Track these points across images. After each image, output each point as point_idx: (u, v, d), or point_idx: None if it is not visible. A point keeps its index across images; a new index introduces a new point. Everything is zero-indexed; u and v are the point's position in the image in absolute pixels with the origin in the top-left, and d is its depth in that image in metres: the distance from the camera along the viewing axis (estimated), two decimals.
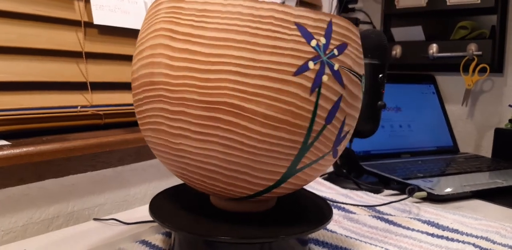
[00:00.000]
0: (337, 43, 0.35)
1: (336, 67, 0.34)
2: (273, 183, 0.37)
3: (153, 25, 0.36)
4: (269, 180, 0.37)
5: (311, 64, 0.33)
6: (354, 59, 0.37)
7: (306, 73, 0.33)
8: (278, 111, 0.33)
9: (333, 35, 0.35)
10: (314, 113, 0.34)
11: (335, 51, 0.34)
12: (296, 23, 0.33)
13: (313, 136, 0.35)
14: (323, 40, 0.34)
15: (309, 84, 0.33)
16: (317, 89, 0.34)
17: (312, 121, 0.35)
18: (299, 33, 0.33)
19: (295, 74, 0.33)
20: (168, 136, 0.36)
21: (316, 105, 0.34)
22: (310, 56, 0.33)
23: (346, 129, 0.38)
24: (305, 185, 0.41)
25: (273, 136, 0.34)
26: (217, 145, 0.34)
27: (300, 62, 0.33)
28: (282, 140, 0.34)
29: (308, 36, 0.33)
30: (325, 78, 0.34)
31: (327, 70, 0.34)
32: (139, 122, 0.40)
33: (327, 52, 0.34)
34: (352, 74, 0.36)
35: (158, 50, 0.35)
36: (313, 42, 0.33)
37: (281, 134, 0.34)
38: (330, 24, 0.34)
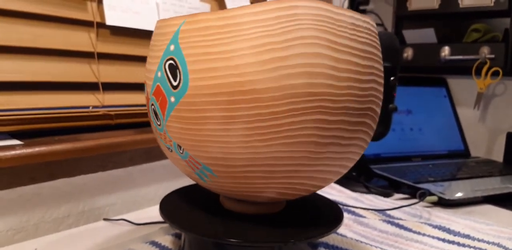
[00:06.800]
0: None
1: None
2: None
3: (295, 31, 0.33)
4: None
5: None
6: None
7: None
8: (380, 110, 0.41)
9: None
10: None
11: None
12: None
13: None
14: None
15: None
16: None
17: None
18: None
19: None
20: (315, 146, 0.35)
21: None
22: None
23: None
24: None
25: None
26: (357, 147, 0.38)
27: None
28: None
29: None
30: None
31: None
32: (262, 137, 0.34)
33: None
34: None
35: (317, 60, 0.33)
36: None
37: None
38: None
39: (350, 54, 0.34)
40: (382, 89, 0.39)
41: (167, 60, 0.37)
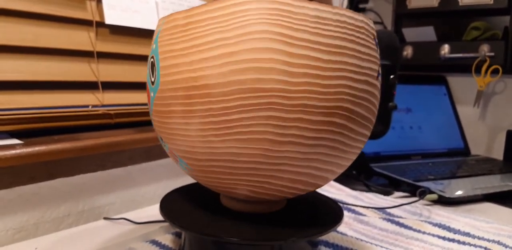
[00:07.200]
0: None
1: None
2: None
3: (246, 26, 0.32)
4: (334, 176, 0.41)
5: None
6: None
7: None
8: (370, 112, 0.37)
9: None
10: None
11: None
12: (373, 34, 0.38)
13: None
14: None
15: (379, 86, 0.40)
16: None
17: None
18: (374, 43, 0.38)
19: (377, 78, 0.38)
20: (271, 144, 0.34)
21: None
22: (378, 62, 0.38)
23: None
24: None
25: (365, 135, 0.38)
26: (326, 148, 0.35)
27: (377, 68, 0.38)
28: (366, 137, 0.39)
29: (376, 46, 0.39)
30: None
31: None
32: (217, 133, 0.34)
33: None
34: None
35: (267, 54, 0.32)
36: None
37: (367, 132, 0.39)
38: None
39: (309, 48, 0.32)
40: (364, 86, 0.36)
41: (150, 58, 0.39)
